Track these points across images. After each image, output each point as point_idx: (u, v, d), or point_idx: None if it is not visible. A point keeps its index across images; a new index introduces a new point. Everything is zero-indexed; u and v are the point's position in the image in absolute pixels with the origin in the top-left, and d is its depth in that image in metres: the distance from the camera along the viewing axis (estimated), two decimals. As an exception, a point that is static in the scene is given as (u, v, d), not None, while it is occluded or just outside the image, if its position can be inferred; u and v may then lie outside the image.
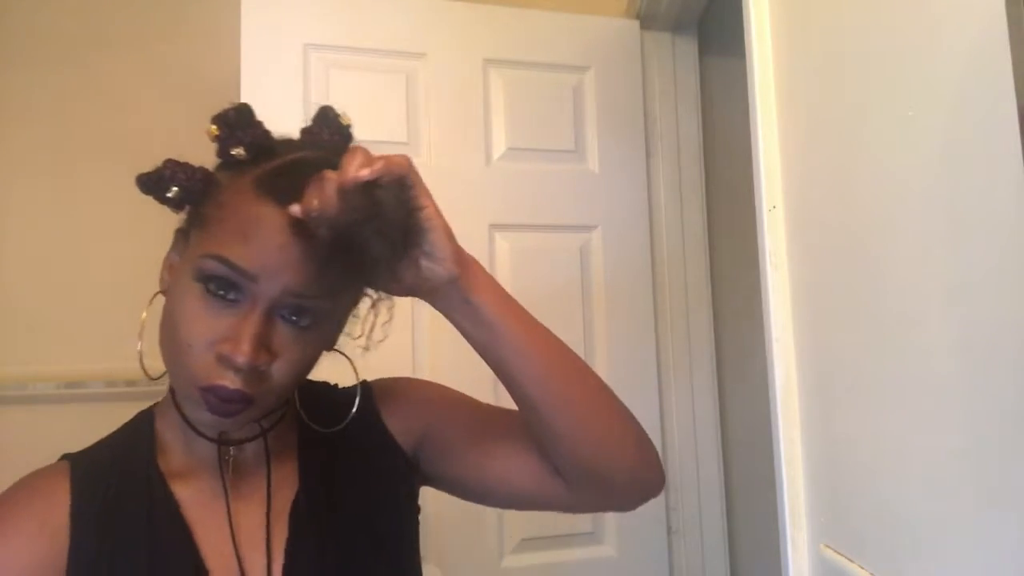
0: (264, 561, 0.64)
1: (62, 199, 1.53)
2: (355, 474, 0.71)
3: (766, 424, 0.88)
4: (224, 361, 0.56)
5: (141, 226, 1.57)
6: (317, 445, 0.71)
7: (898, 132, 0.66)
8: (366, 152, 0.56)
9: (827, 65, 0.78)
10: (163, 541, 0.62)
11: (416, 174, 0.58)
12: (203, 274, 0.57)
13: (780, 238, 0.88)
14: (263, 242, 0.56)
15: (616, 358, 1.61)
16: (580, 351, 1.53)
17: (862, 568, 0.72)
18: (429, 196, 0.60)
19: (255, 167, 0.61)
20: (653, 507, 1.62)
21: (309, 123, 0.68)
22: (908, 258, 0.65)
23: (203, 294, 0.57)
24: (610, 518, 1.55)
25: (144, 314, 0.66)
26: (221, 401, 0.57)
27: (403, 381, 0.80)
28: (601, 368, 1.60)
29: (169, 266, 0.66)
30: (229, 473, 0.66)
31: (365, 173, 0.53)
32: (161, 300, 0.64)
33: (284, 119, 1.64)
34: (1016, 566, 0.53)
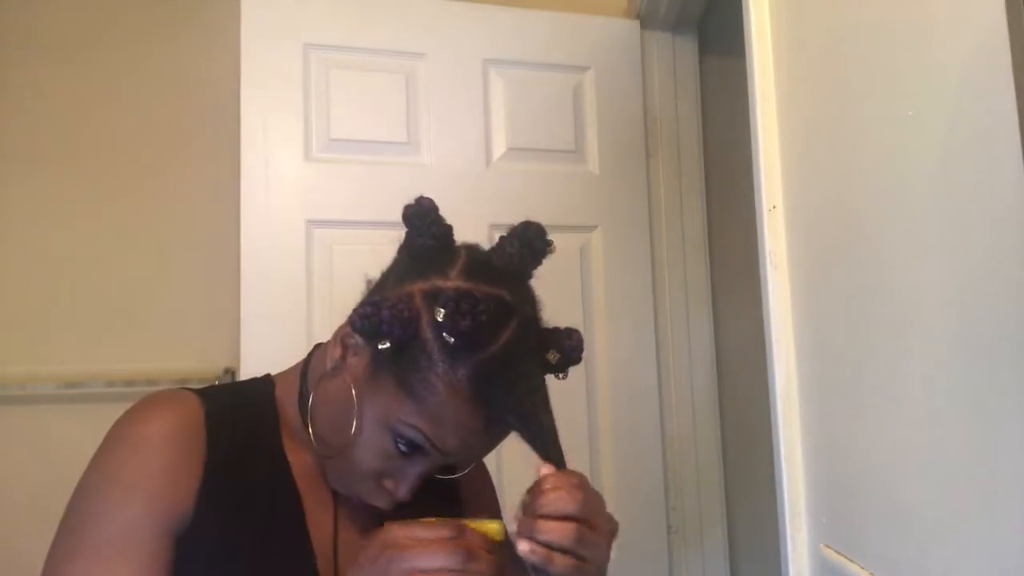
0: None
1: (62, 199, 1.53)
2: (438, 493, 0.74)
3: (766, 424, 0.88)
4: (386, 493, 0.66)
5: (141, 226, 1.57)
6: None
7: (898, 132, 0.66)
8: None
9: (827, 65, 0.78)
10: (281, 508, 0.67)
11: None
12: (402, 436, 0.62)
13: (780, 238, 0.88)
14: (464, 439, 0.62)
15: (616, 358, 1.62)
16: (580, 351, 1.55)
17: (862, 568, 0.72)
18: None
19: (469, 354, 0.60)
20: (653, 507, 1.63)
21: (509, 235, 0.68)
22: (908, 258, 0.65)
23: (391, 443, 0.63)
24: (610, 518, 1.55)
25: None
26: (369, 506, 0.67)
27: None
28: (601, 368, 1.60)
29: (348, 355, 0.66)
30: None
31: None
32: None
33: (284, 119, 1.64)
34: (1017, 566, 0.53)
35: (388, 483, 0.65)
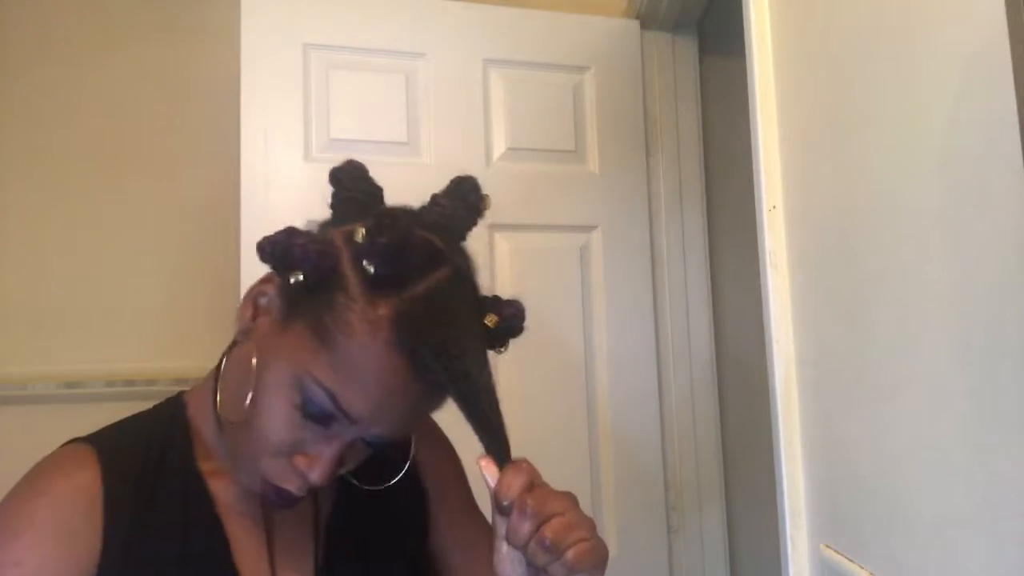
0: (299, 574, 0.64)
1: (62, 199, 1.53)
2: (388, 497, 0.69)
3: (766, 424, 0.88)
4: (298, 473, 0.56)
5: (140, 225, 1.57)
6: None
7: (898, 132, 0.66)
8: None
9: (827, 65, 0.78)
10: (198, 543, 0.60)
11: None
12: (305, 396, 0.54)
13: (780, 238, 0.88)
14: (379, 397, 0.54)
15: (616, 358, 1.61)
16: (580, 351, 1.56)
17: (862, 568, 0.72)
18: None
19: (392, 291, 0.54)
20: (653, 507, 1.63)
21: (442, 192, 0.64)
22: (908, 258, 0.65)
23: (298, 407, 0.55)
24: (610, 518, 1.55)
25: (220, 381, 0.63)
26: (280, 499, 0.58)
27: (435, 427, 0.79)
28: (601, 368, 1.60)
29: (259, 315, 0.60)
30: None
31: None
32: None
33: (284, 119, 1.64)
34: (1017, 566, 0.53)
35: (301, 461, 0.56)
